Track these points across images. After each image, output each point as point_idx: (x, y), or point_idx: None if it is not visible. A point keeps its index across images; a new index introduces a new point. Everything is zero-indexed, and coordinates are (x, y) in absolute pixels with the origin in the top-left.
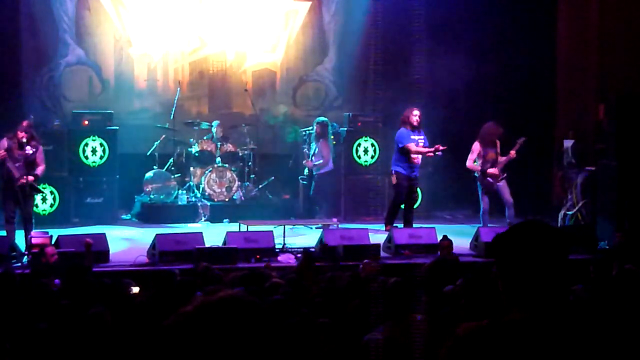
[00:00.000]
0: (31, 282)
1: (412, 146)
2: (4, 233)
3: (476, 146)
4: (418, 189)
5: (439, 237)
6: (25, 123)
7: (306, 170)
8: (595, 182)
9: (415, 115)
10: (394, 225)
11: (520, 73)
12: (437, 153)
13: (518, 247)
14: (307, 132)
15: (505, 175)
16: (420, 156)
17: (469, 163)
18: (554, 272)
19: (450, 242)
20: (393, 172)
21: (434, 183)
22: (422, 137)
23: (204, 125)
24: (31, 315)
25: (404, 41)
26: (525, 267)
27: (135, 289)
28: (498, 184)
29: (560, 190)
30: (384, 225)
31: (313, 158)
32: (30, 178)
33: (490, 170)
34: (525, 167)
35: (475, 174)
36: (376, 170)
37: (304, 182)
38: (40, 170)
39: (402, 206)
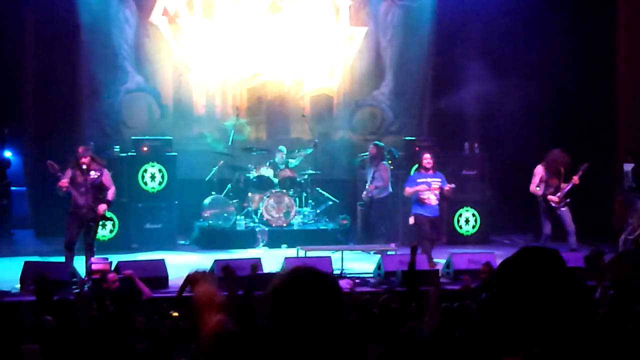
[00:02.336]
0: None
1: (406, 189)
2: (62, 259)
3: (539, 170)
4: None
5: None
6: (80, 149)
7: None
8: None
9: (425, 159)
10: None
11: (579, 96)
12: (441, 190)
13: (526, 275)
14: (365, 156)
15: (567, 201)
16: (431, 197)
17: (532, 187)
18: (564, 299)
19: (490, 267)
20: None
21: (492, 208)
22: (437, 179)
23: (263, 151)
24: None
25: (460, 66)
26: (536, 295)
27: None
28: (561, 209)
29: (620, 214)
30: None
31: (373, 182)
32: (103, 207)
33: (551, 197)
34: (586, 192)
35: (538, 199)
36: None
37: (362, 208)
38: (111, 193)
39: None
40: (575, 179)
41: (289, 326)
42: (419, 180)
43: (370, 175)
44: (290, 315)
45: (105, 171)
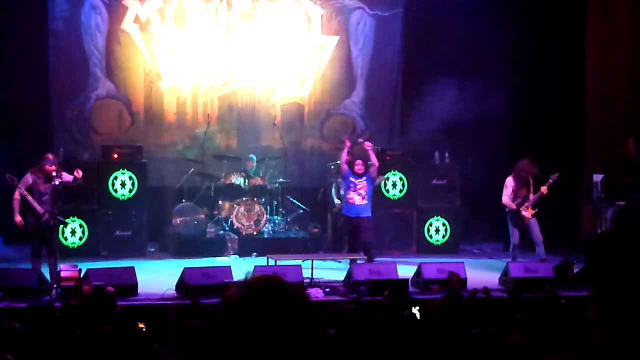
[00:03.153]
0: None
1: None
2: (29, 266)
3: (510, 181)
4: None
5: (467, 273)
6: (50, 156)
7: (336, 202)
8: (625, 217)
9: (357, 165)
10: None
11: (549, 107)
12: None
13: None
14: (334, 165)
15: (535, 211)
16: (355, 197)
17: (505, 199)
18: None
19: (458, 277)
20: None
21: (462, 217)
22: (362, 179)
23: (236, 158)
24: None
25: (431, 75)
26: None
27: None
28: (529, 220)
29: (590, 225)
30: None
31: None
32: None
33: (524, 213)
34: (555, 202)
35: (507, 210)
36: (405, 204)
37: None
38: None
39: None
40: (544, 189)
41: (240, 340)
42: (350, 179)
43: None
44: (243, 329)
45: (64, 174)
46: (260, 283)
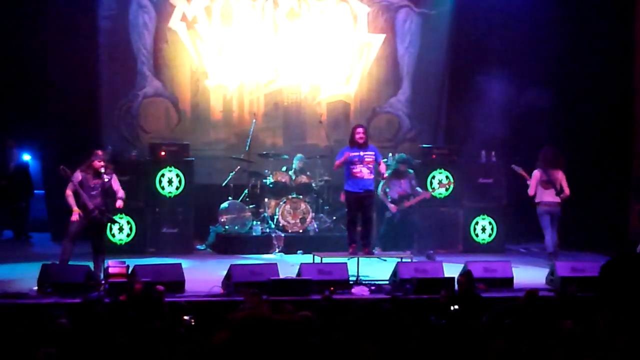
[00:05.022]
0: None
1: (336, 162)
2: (79, 262)
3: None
4: (369, 205)
5: (514, 272)
6: (99, 152)
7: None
8: None
9: (358, 133)
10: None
11: (596, 105)
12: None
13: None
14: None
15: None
16: (364, 170)
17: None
18: None
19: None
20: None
21: (508, 216)
22: (369, 152)
23: (284, 157)
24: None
25: (478, 73)
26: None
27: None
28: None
29: (637, 223)
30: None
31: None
32: (120, 203)
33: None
34: (602, 200)
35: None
36: (451, 202)
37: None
38: (120, 197)
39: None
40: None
41: None
42: (351, 154)
43: (404, 187)
44: None
45: (115, 176)
46: (246, 324)
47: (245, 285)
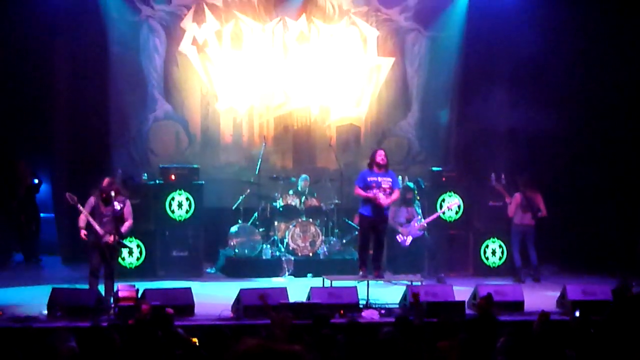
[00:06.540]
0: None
1: (357, 189)
2: (86, 286)
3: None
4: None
5: (524, 295)
6: (105, 181)
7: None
8: None
9: (379, 155)
10: (366, 269)
11: (607, 124)
12: (379, 199)
13: None
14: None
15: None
16: (381, 196)
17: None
18: None
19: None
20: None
21: None
22: (387, 178)
23: (292, 180)
24: None
25: (487, 96)
26: None
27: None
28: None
29: None
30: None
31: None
32: (111, 237)
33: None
34: (612, 224)
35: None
36: (461, 225)
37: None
38: (126, 226)
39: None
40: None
41: None
42: (369, 179)
43: (410, 213)
44: None
45: (128, 202)
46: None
47: (256, 309)
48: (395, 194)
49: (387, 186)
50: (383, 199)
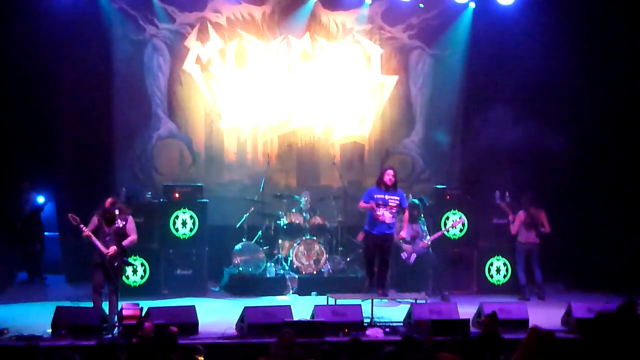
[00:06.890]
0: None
1: (361, 203)
2: (90, 304)
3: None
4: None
5: (529, 313)
6: (108, 202)
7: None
8: None
9: (388, 174)
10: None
11: (614, 143)
12: (377, 211)
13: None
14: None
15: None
16: (386, 214)
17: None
18: None
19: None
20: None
21: None
22: (395, 197)
23: (296, 198)
24: None
25: (491, 114)
26: None
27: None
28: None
29: None
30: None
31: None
32: (113, 248)
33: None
34: (619, 241)
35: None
36: (465, 243)
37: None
38: (129, 240)
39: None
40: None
41: None
42: (376, 196)
43: (415, 230)
44: None
45: (130, 218)
46: None
47: (260, 327)
48: (406, 215)
49: (394, 204)
50: (389, 218)
